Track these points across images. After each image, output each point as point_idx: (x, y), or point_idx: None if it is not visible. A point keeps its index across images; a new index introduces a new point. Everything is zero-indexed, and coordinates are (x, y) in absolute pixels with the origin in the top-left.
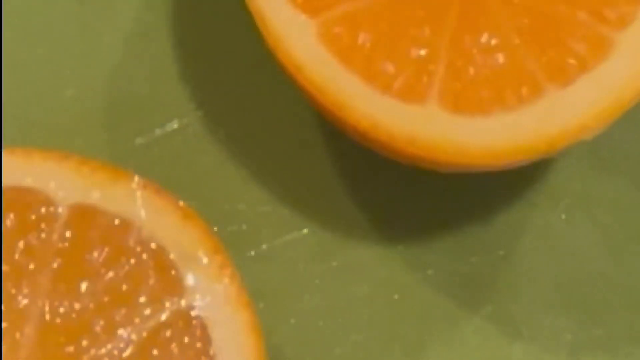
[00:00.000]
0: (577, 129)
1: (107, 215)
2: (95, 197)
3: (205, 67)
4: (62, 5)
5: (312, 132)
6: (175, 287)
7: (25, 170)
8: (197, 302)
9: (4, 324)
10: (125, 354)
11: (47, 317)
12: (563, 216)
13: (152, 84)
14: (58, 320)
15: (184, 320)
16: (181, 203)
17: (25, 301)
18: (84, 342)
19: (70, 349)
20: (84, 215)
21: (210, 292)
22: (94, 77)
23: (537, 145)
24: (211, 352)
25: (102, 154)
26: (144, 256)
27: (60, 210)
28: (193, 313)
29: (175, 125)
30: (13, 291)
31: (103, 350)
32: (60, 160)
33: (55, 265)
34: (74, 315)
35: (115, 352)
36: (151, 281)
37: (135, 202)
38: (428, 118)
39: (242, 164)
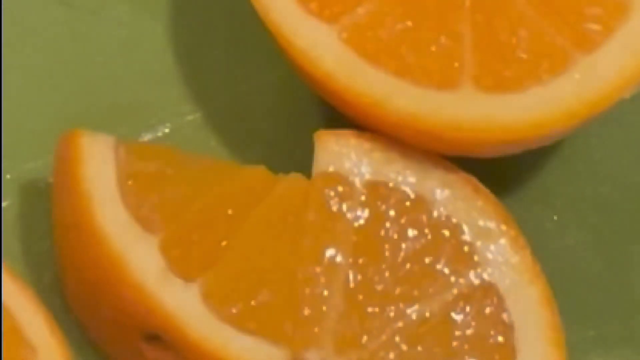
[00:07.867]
0: (614, 88)
1: (402, 191)
2: (389, 174)
3: (196, 71)
4: (50, 10)
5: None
6: (470, 259)
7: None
8: (493, 274)
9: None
10: (423, 322)
11: (351, 277)
12: (555, 218)
13: (141, 89)
14: (361, 283)
15: (481, 292)
16: (472, 178)
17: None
18: (384, 306)
19: (372, 310)
20: (379, 190)
21: (506, 264)
22: (83, 83)
23: (579, 110)
24: (508, 321)
25: None
26: (439, 230)
27: (357, 186)
28: (489, 285)
29: (165, 129)
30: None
31: (401, 316)
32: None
33: (355, 236)
34: (374, 281)
35: (414, 317)
36: (447, 254)
37: (428, 178)
38: (468, 101)
39: None
